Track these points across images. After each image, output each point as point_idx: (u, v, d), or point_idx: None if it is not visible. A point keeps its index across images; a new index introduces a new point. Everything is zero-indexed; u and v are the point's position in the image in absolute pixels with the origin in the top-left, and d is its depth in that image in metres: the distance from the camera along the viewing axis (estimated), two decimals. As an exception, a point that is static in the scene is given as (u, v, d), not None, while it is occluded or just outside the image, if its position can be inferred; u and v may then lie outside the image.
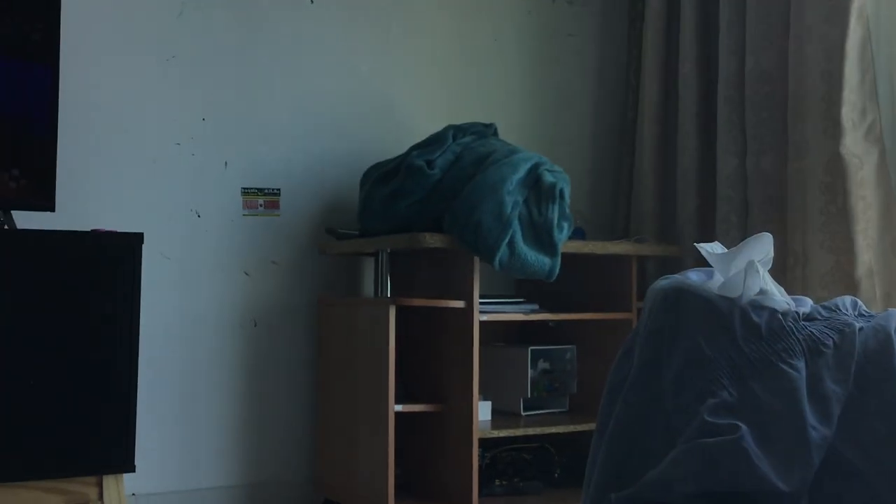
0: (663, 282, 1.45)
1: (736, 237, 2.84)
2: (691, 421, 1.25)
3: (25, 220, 2.33)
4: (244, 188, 2.79)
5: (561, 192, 2.57)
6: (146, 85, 2.67)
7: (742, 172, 2.87)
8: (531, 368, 2.79)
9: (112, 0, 2.63)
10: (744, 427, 1.21)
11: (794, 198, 2.65)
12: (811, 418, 1.23)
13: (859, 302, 1.46)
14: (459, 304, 2.52)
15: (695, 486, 1.20)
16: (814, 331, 1.33)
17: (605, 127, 3.43)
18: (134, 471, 2.21)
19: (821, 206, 2.56)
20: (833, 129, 2.54)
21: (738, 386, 1.27)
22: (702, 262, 1.50)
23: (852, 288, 2.48)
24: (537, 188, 2.55)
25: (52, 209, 2.31)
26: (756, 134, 2.80)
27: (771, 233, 2.65)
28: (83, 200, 2.54)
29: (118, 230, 2.30)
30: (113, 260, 2.21)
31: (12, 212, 2.29)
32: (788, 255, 2.66)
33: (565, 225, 2.58)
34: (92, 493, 2.17)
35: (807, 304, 1.43)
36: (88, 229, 2.29)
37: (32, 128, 2.30)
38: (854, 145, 2.53)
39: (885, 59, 2.66)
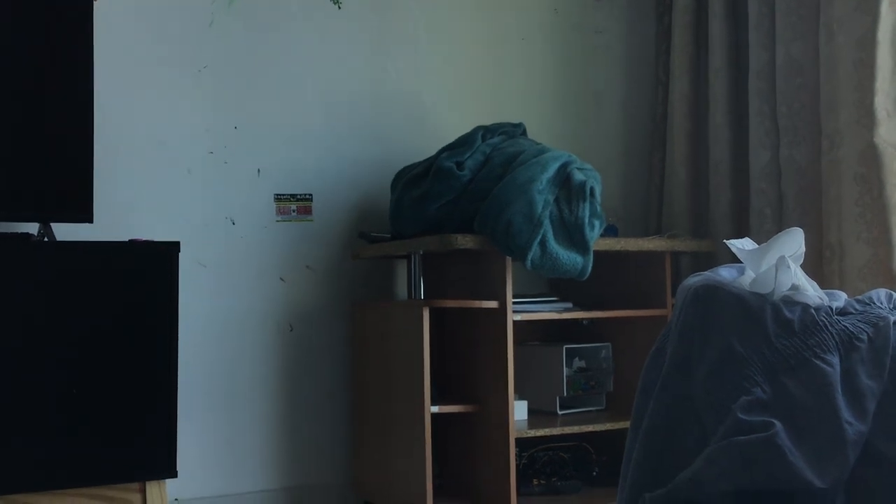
0: (694, 279, 1.44)
1: (770, 230, 2.81)
2: (725, 419, 1.24)
3: (64, 231, 2.38)
4: (277, 194, 2.82)
5: (591, 189, 2.57)
6: (179, 95, 2.71)
7: (775, 165, 2.84)
8: (566, 367, 2.79)
9: (144, 13, 2.67)
10: (778, 424, 1.20)
11: (829, 189, 2.62)
12: (846, 414, 1.22)
13: (894, 294, 1.44)
14: (493, 304, 2.52)
15: (729, 485, 1.19)
16: (847, 325, 1.31)
17: (635, 123, 3.42)
18: (176, 476, 2.24)
19: (856, 197, 2.53)
20: (867, 118, 2.51)
21: (772, 383, 1.26)
22: (736, 257, 1.49)
23: (891, 280, 2.45)
24: (567, 187, 2.55)
25: (91, 220, 2.35)
26: (788, 126, 2.77)
27: (806, 225, 2.65)
28: (120, 211, 2.58)
29: (155, 239, 2.33)
30: (151, 269, 2.25)
31: (51, 224, 2.33)
32: (824, 248, 2.63)
33: (597, 223, 2.58)
34: (135, 499, 2.20)
35: (840, 299, 1.41)
36: (126, 239, 2.32)
37: (69, 141, 2.34)
38: (889, 135, 2.49)
39: (919, 46, 2.62)
